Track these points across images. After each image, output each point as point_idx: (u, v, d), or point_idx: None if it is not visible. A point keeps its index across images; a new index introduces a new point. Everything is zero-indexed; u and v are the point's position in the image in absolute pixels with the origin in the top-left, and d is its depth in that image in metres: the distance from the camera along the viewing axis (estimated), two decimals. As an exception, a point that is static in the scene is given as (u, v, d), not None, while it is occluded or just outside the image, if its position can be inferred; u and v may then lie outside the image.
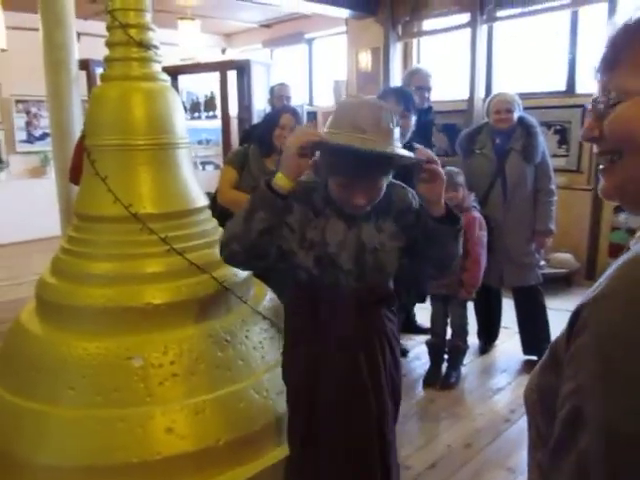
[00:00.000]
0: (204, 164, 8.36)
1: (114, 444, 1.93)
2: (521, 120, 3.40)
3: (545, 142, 3.45)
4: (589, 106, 0.74)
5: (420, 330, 3.91)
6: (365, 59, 6.80)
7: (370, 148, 1.45)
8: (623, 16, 0.68)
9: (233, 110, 5.48)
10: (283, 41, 8.14)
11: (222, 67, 5.49)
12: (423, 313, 3.78)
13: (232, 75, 5.34)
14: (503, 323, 3.82)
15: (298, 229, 1.64)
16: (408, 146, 2.62)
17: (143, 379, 2.03)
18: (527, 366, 3.46)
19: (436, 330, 3.36)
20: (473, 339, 3.59)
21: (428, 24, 6.29)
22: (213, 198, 3.18)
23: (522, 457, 2.47)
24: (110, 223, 2.24)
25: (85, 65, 4.88)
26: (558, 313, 3.60)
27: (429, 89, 3.83)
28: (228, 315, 2.30)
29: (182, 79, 5.78)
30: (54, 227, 4.33)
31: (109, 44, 2.32)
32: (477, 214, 3.19)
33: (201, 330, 2.18)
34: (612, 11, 4.67)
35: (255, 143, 3.23)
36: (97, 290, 2.13)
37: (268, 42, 8.34)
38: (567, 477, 0.62)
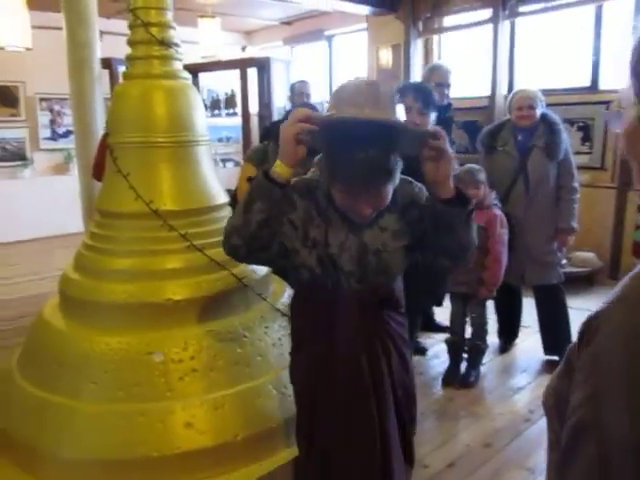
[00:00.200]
0: (224, 161, 8.42)
1: (135, 438, 1.96)
2: (544, 117, 3.35)
3: (568, 139, 3.40)
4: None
5: (439, 328, 3.89)
6: (386, 56, 6.75)
7: (368, 118, 1.39)
8: None
9: (253, 107, 5.49)
10: (303, 38, 8.13)
11: (242, 65, 5.50)
12: (442, 311, 3.76)
13: (252, 72, 5.35)
14: (523, 322, 3.78)
15: (301, 226, 1.60)
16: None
17: (164, 374, 2.05)
18: (547, 366, 3.42)
19: (455, 329, 3.34)
20: (493, 338, 3.56)
21: (449, 20, 6.23)
22: (233, 195, 3.20)
23: (542, 457, 2.45)
24: (131, 219, 2.27)
25: (107, 63, 4.93)
26: (580, 312, 3.54)
27: (449, 86, 3.80)
28: (247, 312, 2.32)
29: (203, 77, 5.81)
30: (77, 223, 4.40)
31: (131, 42, 2.35)
32: (498, 212, 3.16)
33: (220, 326, 2.20)
34: (638, 7, 4.58)
35: (275, 140, 3.23)
36: (119, 286, 2.17)
37: (288, 39, 8.35)
38: None
